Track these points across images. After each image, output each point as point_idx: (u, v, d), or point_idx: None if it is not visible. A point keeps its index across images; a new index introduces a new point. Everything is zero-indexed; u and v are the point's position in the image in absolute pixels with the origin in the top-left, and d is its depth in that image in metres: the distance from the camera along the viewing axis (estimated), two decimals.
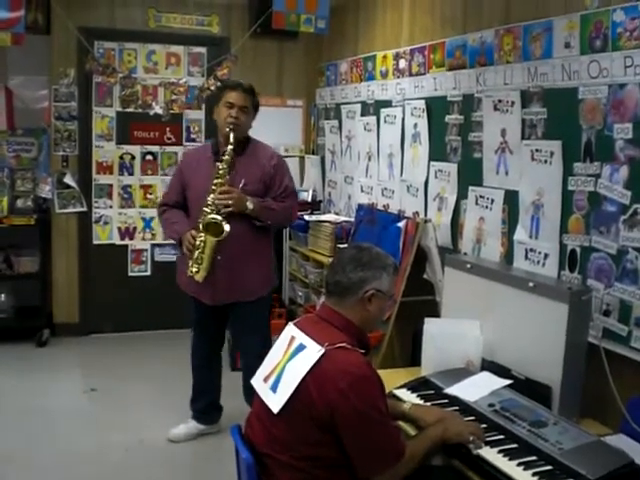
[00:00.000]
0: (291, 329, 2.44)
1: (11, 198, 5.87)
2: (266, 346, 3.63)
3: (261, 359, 2.51)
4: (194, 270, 3.82)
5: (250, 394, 2.59)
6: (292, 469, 2.23)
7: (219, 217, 3.74)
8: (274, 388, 2.30)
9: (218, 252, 3.82)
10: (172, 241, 6.09)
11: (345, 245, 4.58)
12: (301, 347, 2.31)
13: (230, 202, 3.74)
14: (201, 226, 3.76)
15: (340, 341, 2.25)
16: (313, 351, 2.24)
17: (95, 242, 6.19)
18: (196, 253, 3.79)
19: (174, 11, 6.10)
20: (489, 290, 3.15)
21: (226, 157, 3.77)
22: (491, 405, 2.61)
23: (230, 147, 3.78)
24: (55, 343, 5.89)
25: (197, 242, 3.77)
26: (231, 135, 3.79)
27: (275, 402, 2.26)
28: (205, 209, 3.76)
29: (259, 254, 3.99)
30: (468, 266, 3.31)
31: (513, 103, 3.48)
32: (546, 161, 3.24)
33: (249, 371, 3.07)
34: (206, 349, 4.23)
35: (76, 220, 6.07)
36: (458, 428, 2.41)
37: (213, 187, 3.76)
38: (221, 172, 3.77)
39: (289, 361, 2.32)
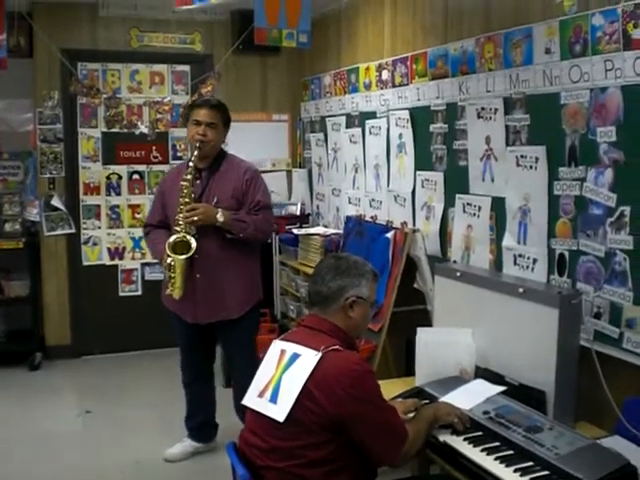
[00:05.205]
0: (278, 344, 2.49)
1: None
2: (253, 361, 3.61)
3: (250, 375, 2.53)
4: (170, 289, 3.83)
5: (242, 410, 2.59)
6: (293, 478, 2.25)
7: (182, 235, 3.75)
8: (274, 399, 2.33)
9: (196, 270, 3.83)
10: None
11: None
12: (295, 356, 2.37)
13: (195, 218, 3.74)
14: (167, 247, 3.76)
15: (333, 344, 2.34)
16: (310, 356, 2.31)
17: (85, 263, 6.18)
18: (169, 273, 3.80)
19: (156, 30, 6.11)
20: (480, 297, 3.15)
21: (188, 176, 3.79)
22: (486, 412, 2.61)
23: (191, 164, 3.81)
24: (48, 366, 5.86)
25: (168, 262, 3.78)
26: (195, 152, 3.81)
27: (278, 412, 2.29)
28: (175, 228, 3.78)
29: (240, 269, 3.94)
30: (458, 274, 3.31)
31: (496, 110, 3.49)
32: (531, 167, 3.25)
33: (239, 388, 3.06)
34: (195, 366, 4.20)
35: (65, 242, 6.05)
36: (447, 409, 2.60)
37: (180, 207, 3.77)
38: (185, 191, 3.78)
39: (284, 372, 2.36)
